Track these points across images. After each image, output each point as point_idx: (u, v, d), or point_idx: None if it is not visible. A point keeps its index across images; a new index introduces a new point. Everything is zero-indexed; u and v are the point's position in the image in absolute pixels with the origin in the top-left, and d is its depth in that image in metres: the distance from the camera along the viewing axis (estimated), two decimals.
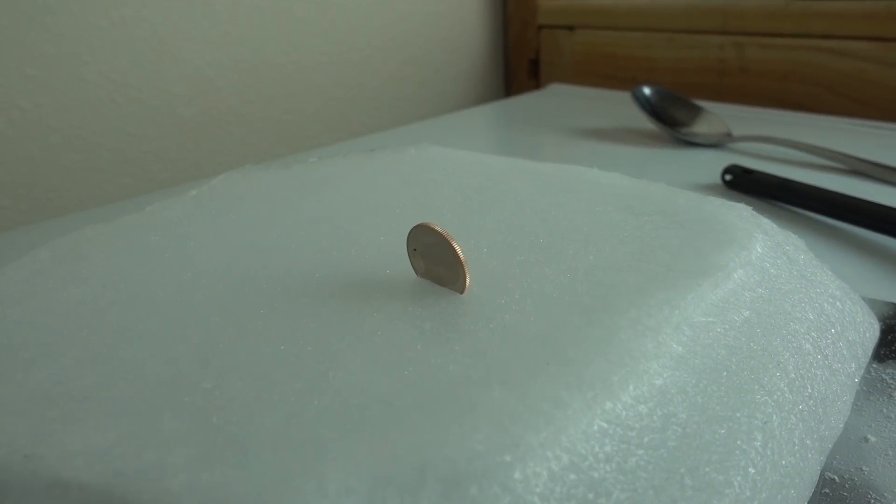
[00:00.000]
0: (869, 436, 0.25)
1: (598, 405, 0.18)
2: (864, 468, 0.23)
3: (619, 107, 0.70)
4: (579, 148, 0.61)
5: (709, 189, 0.49)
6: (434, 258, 0.24)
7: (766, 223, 0.29)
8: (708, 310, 0.23)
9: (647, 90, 0.61)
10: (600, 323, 0.21)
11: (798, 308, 0.25)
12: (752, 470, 0.19)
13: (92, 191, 0.63)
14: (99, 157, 0.63)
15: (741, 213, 0.29)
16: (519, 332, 0.21)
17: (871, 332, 0.28)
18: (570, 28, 0.86)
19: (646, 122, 0.62)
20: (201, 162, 0.70)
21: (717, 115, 0.59)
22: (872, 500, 0.22)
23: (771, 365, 0.22)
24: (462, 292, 0.24)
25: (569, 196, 0.31)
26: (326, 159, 0.38)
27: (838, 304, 0.27)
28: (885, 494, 0.22)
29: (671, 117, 0.59)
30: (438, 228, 0.23)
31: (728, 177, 0.47)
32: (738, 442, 0.19)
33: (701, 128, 0.58)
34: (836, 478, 0.23)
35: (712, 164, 0.53)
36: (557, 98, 0.81)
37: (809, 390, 0.22)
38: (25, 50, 0.56)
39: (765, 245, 0.27)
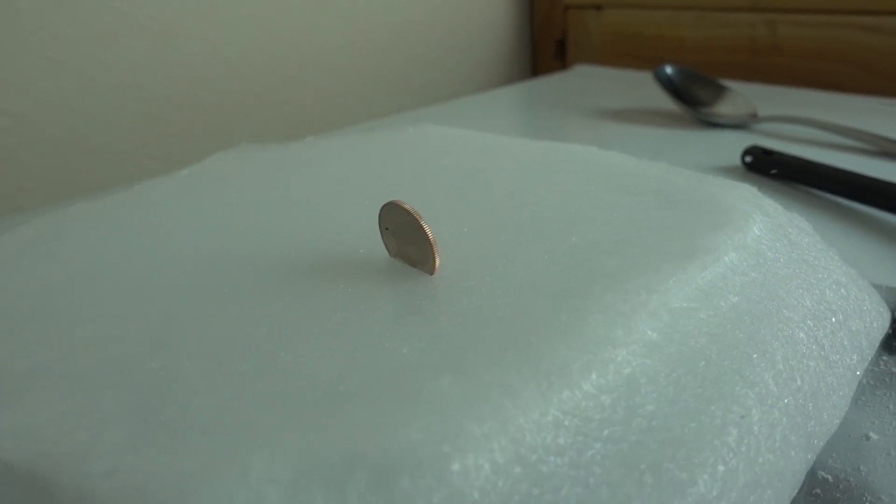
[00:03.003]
0: (871, 433, 0.23)
1: (554, 394, 0.17)
2: (862, 468, 0.22)
3: (644, 87, 0.68)
4: (601, 129, 0.59)
5: (728, 171, 0.46)
6: (405, 237, 0.23)
7: (770, 204, 0.27)
8: (691, 295, 0.21)
9: (669, 69, 0.59)
10: (570, 308, 0.20)
11: (794, 294, 0.23)
12: (721, 468, 0.17)
13: (114, 173, 0.63)
14: (121, 140, 0.63)
15: (742, 194, 0.27)
16: (483, 316, 0.20)
17: (879, 321, 0.26)
18: (598, 8, 0.84)
19: (670, 103, 0.60)
20: (222, 144, 0.70)
21: (743, 96, 0.56)
22: (868, 502, 0.20)
23: (756, 355, 0.20)
24: (432, 273, 0.22)
25: (562, 176, 0.30)
26: (322, 138, 0.38)
27: (842, 290, 0.25)
28: (882, 497, 0.21)
29: (694, 97, 0.57)
30: (407, 207, 0.22)
31: (748, 158, 0.45)
32: (709, 437, 0.18)
33: (725, 108, 0.55)
34: (829, 477, 0.21)
35: (734, 145, 0.51)
36: (582, 79, 0.79)
37: (798, 383, 0.21)
38: (47, 33, 0.56)
39: (763, 227, 0.25)
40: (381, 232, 0.24)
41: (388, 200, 0.23)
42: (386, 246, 0.24)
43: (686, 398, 0.19)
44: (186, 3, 0.63)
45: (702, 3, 0.73)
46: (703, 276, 0.22)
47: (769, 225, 0.25)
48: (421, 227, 0.22)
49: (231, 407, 0.17)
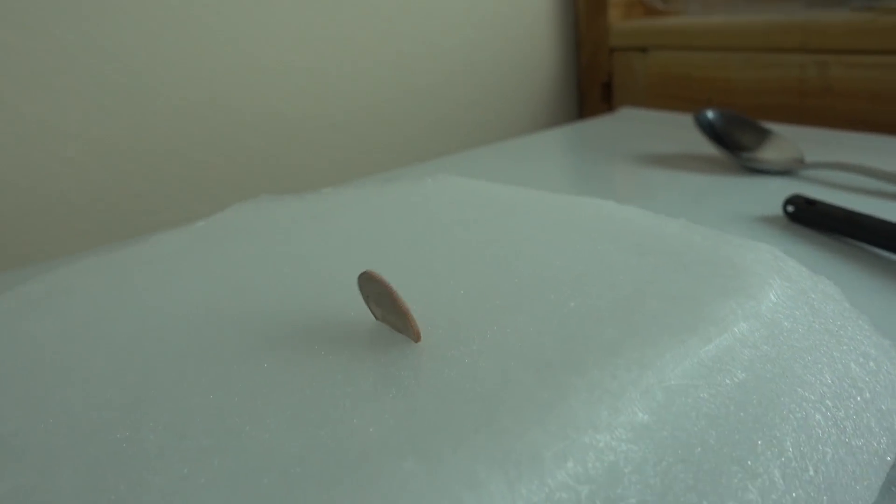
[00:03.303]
0: None
1: (523, 485, 0.16)
2: None
3: (690, 131, 0.66)
4: (642, 174, 0.57)
5: (769, 221, 0.44)
6: (385, 306, 0.22)
7: (793, 267, 0.25)
8: (690, 370, 0.20)
9: (710, 114, 0.57)
10: (554, 384, 0.19)
11: (812, 369, 0.21)
12: None
13: (161, 218, 0.64)
14: (168, 185, 0.64)
15: (761, 257, 0.25)
16: (460, 391, 0.19)
17: None
18: (643, 50, 0.82)
19: (713, 148, 0.58)
20: (267, 187, 0.71)
21: (790, 140, 0.54)
22: None
23: (762, 441, 0.18)
24: (415, 340, 0.21)
25: (574, 233, 0.29)
26: (339, 190, 0.37)
27: (871, 364, 0.23)
28: None
29: (737, 142, 0.55)
30: (381, 278, 0.21)
31: (790, 208, 0.43)
32: None
33: (769, 153, 0.53)
34: None
35: (778, 193, 0.48)
36: (627, 122, 0.77)
37: (811, 473, 0.19)
38: (99, 80, 0.58)
39: (782, 293, 0.23)
40: (364, 299, 0.23)
41: (363, 271, 0.22)
42: (371, 311, 0.23)
43: (676, 491, 0.17)
44: (234, 52, 0.65)
45: (750, 44, 0.71)
46: (706, 350, 0.20)
47: (789, 291, 0.23)
48: (395, 300, 0.21)
49: (182, 486, 0.16)
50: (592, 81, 0.90)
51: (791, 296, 0.23)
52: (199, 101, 0.64)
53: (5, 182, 0.55)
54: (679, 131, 0.69)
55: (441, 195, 0.35)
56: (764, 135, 0.55)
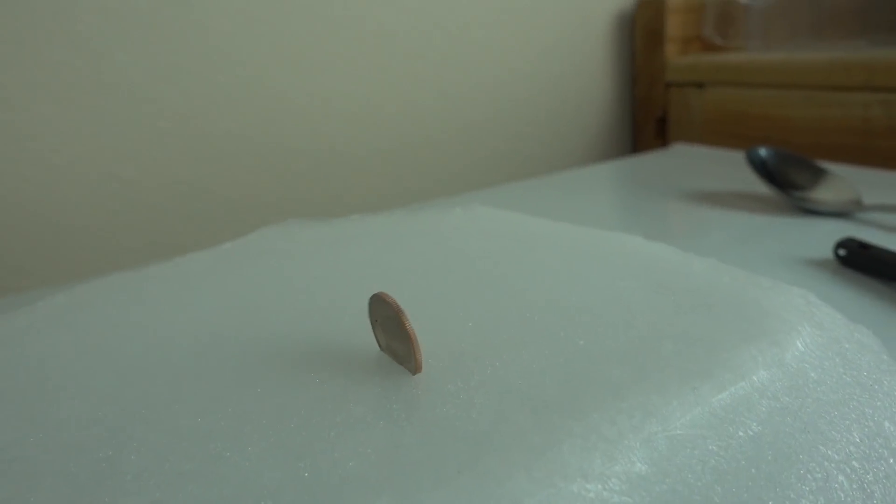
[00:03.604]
0: None
1: None
2: None
3: (743, 169, 0.64)
4: (689, 212, 0.55)
5: (819, 265, 0.42)
6: (391, 332, 0.21)
7: (827, 314, 0.23)
8: (699, 420, 0.18)
9: (763, 151, 0.55)
10: (548, 426, 0.18)
11: (839, 426, 0.19)
12: None
13: (211, 236, 0.66)
14: (218, 206, 0.65)
15: (792, 301, 0.24)
16: (451, 429, 0.18)
17: None
18: (700, 85, 0.81)
19: (765, 187, 0.56)
20: (314, 212, 0.71)
21: (847, 181, 0.51)
22: None
23: (773, 501, 0.17)
24: (414, 372, 0.21)
25: (595, 268, 0.28)
26: (368, 216, 0.37)
27: None
28: None
29: (790, 181, 0.52)
30: (391, 301, 0.21)
31: (841, 251, 0.41)
32: None
33: (824, 194, 0.51)
34: None
35: (831, 235, 0.46)
36: (679, 158, 0.75)
37: None
38: (159, 105, 0.60)
39: (811, 342, 0.22)
40: (371, 324, 0.22)
41: (375, 292, 0.21)
42: (376, 339, 0.22)
43: None
44: (288, 77, 0.66)
45: (811, 81, 0.69)
46: (719, 399, 0.19)
47: (819, 339, 0.22)
48: (403, 324, 0.20)
49: None
50: (647, 116, 0.88)
51: (821, 344, 0.22)
52: (252, 129, 0.65)
53: (63, 199, 0.57)
54: (732, 169, 0.67)
55: (467, 225, 0.34)
56: (819, 174, 0.53)
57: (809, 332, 0.22)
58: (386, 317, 0.21)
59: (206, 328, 0.25)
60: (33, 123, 0.55)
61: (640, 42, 0.87)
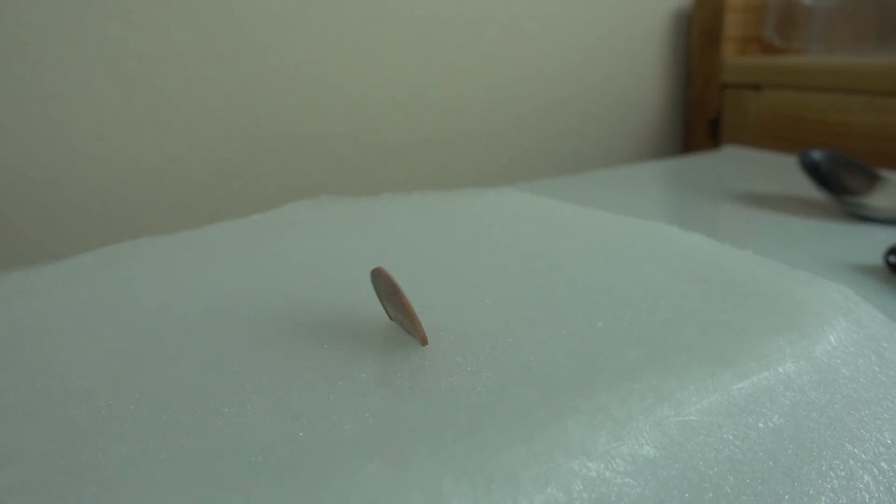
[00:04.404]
0: None
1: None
2: None
3: (795, 173, 0.61)
4: (736, 213, 0.54)
5: (867, 271, 0.40)
6: (395, 306, 0.21)
7: (866, 312, 0.22)
8: (716, 407, 0.17)
9: (817, 154, 0.53)
10: (554, 402, 0.17)
11: (869, 426, 0.18)
12: None
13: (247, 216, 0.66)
14: (263, 190, 0.66)
15: (829, 295, 0.22)
16: (453, 400, 0.17)
17: None
18: (757, 87, 0.78)
19: (817, 192, 0.53)
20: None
21: None
22: None
23: (790, 496, 0.16)
24: (423, 344, 0.20)
25: (623, 254, 0.27)
26: (400, 196, 0.37)
27: None
28: None
29: (844, 186, 0.50)
30: (388, 275, 0.20)
31: (893, 259, 0.39)
32: None
33: (878, 200, 0.48)
34: None
35: (883, 242, 0.44)
36: (730, 160, 0.73)
37: None
38: (209, 84, 0.61)
39: (845, 338, 0.20)
40: (378, 297, 0.22)
41: (374, 267, 0.21)
42: (385, 310, 0.22)
43: None
44: (337, 62, 0.66)
45: (873, 86, 0.66)
46: (739, 387, 0.18)
47: (855, 336, 0.21)
48: (400, 299, 0.20)
49: (142, 459, 0.16)
50: (700, 117, 0.86)
51: (856, 341, 0.20)
52: (299, 112, 0.66)
53: (108, 172, 0.58)
54: (784, 173, 0.65)
55: (498, 209, 0.33)
56: (875, 180, 0.50)
57: (844, 327, 0.21)
58: (387, 291, 0.21)
59: (223, 291, 0.25)
60: (84, 96, 0.56)
61: (696, 41, 0.84)
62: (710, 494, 0.16)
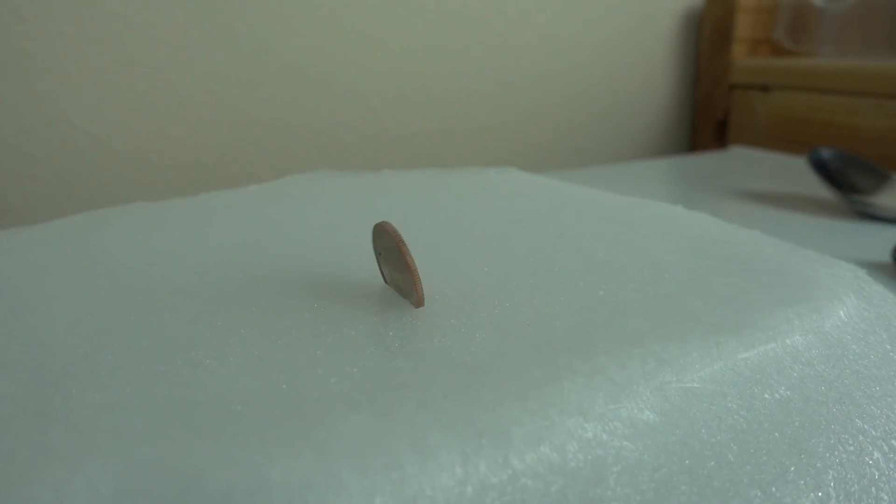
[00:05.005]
0: None
1: (481, 460, 0.13)
2: None
3: (802, 173, 0.61)
4: (741, 212, 0.53)
5: (874, 268, 0.39)
6: (394, 264, 0.20)
7: (877, 290, 0.21)
8: (720, 375, 0.16)
9: (825, 152, 0.52)
10: (551, 363, 0.16)
11: (880, 402, 0.17)
12: None
13: None
14: (263, 173, 0.65)
15: (840, 273, 0.22)
16: (446, 359, 0.17)
17: None
18: (765, 89, 0.77)
19: (825, 192, 0.53)
20: None
21: None
22: None
23: (795, 467, 0.15)
24: (416, 306, 0.19)
25: (627, 230, 0.26)
26: (400, 171, 0.36)
27: None
28: None
29: (852, 184, 0.50)
30: (392, 230, 0.19)
31: None
32: None
33: (886, 199, 0.48)
34: None
35: (890, 241, 0.43)
36: (737, 160, 0.72)
37: None
38: (212, 67, 0.60)
39: (855, 314, 0.19)
40: (376, 256, 0.21)
41: (377, 222, 0.20)
42: (381, 272, 0.21)
43: None
44: (342, 49, 0.65)
45: (883, 89, 0.65)
46: (745, 357, 0.17)
47: (865, 313, 0.20)
48: (403, 256, 0.19)
49: (116, 406, 0.15)
50: (707, 118, 0.85)
51: (867, 318, 0.20)
52: (302, 98, 0.65)
53: (109, 151, 0.58)
54: (791, 172, 0.64)
55: (500, 185, 0.33)
56: (883, 179, 0.49)
57: (855, 303, 0.20)
58: (388, 248, 0.20)
59: (213, 253, 0.24)
60: (86, 73, 0.55)
61: (706, 41, 0.84)
62: (713, 462, 0.15)
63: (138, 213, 0.30)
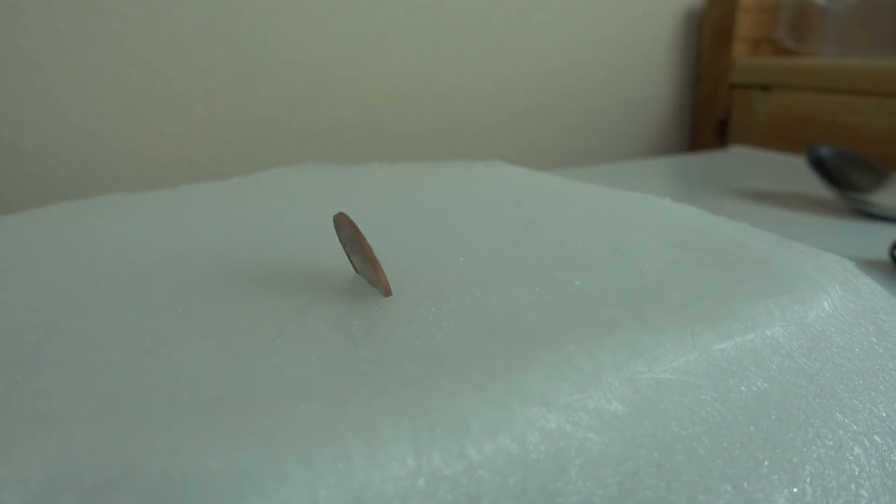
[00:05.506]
0: None
1: (435, 451, 0.13)
2: None
3: (802, 172, 0.60)
4: (738, 210, 0.52)
5: (872, 265, 0.38)
6: (358, 254, 0.19)
7: (866, 284, 0.21)
8: (694, 367, 0.16)
9: (824, 150, 0.51)
10: (518, 353, 0.15)
11: (863, 397, 0.17)
12: None
13: None
14: (260, 171, 0.64)
15: (826, 265, 0.21)
16: (409, 348, 0.16)
17: None
18: (766, 88, 0.77)
19: (824, 190, 0.52)
20: None
21: None
22: None
23: (770, 461, 0.14)
24: (385, 295, 0.19)
25: (611, 222, 0.25)
26: (387, 165, 0.35)
27: None
28: None
29: (851, 183, 0.49)
30: (350, 222, 0.19)
31: None
32: None
33: (885, 198, 0.47)
34: None
35: (888, 239, 0.42)
36: (737, 159, 0.71)
37: None
38: (209, 64, 0.60)
39: (840, 306, 0.19)
40: (343, 247, 0.20)
41: (336, 213, 0.19)
42: (350, 262, 0.21)
43: (638, 499, 0.13)
44: (340, 47, 0.65)
45: (885, 89, 0.64)
46: (721, 347, 0.16)
47: (851, 305, 0.19)
48: (362, 246, 0.18)
49: (57, 393, 0.14)
50: (708, 117, 0.84)
51: (853, 311, 0.19)
52: (300, 96, 0.64)
53: (104, 148, 0.57)
54: (791, 172, 0.63)
55: (486, 178, 0.32)
56: (882, 178, 0.49)
57: (841, 295, 0.19)
58: (350, 239, 0.19)
59: (185, 242, 0.24)
60: (82, 69, 0.55)
61: (707, 40, 0.83)
62: (682, 456, 0.14)
63: (117, 203, 0.29)
